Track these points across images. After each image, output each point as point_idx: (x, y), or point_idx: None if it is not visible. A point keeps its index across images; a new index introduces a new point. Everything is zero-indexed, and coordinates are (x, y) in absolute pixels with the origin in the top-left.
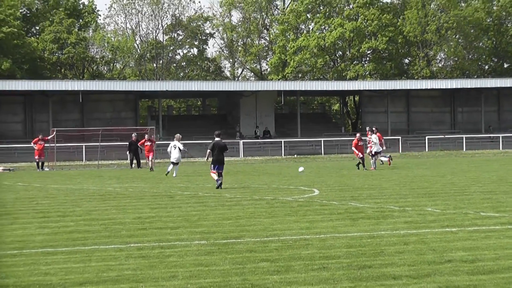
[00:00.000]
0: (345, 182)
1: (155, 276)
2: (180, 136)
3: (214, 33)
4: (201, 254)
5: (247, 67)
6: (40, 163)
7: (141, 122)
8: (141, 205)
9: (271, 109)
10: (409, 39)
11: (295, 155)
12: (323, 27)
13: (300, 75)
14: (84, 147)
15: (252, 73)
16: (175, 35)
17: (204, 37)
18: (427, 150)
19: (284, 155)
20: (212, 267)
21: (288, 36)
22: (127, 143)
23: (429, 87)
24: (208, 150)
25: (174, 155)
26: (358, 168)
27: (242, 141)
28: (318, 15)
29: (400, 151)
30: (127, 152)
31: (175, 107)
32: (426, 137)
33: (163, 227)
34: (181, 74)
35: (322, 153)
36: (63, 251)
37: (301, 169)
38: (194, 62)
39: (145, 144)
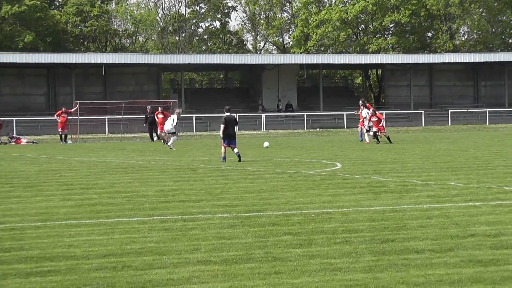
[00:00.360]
0: (367, 156)
1: (178, 248)
2: (180, 112)
3: (237, 6)
4: (224, 227)
5: (270, 40)
6: (63, 136)
7: (164, 95)
8: (164, 178)
9: (294, 82)
10: (432, 12)
11: (318, 129)
12: (346, 0)
13: (322, 49)
14: (107, 120)
15: (275, 47)
16: (198, 8)
17: (226, 10)
18: (450, 124)
19: (307, 128)
20: (235, 240)
21: (311, 9)
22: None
23: (452, 61)
24: (222, 125)
25: (167, 126)
26: (378, 142)
27: (264, 114)
28: None
29: (423, 125)
30: (144, 124)
31: (197, 80)
32: (449, 111)
33: (186, 200)
34: (204, 47)
35: (345, 126)
36: (86, 223)
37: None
38: (216, 35)
39: (158, 116)
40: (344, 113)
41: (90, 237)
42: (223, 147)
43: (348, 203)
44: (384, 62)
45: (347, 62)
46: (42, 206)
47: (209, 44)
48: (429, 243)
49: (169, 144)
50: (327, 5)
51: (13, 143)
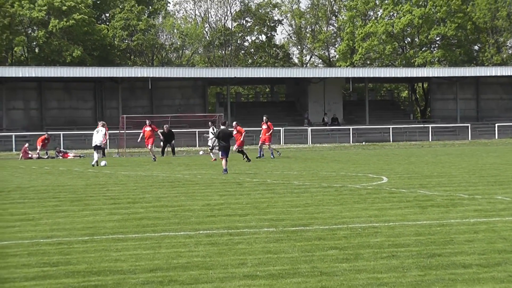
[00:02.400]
0: (414, 169)
1: (224, 263)
2: (104, 123)
3: (283, 19)
4: (270, 242)
5: (316, 53)
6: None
7: (210, 109)
8: (210, 192)
9: (339, 96)
10: (478, 25)
11: (363, 142)
12: (392, 13)
13: (368, 62)
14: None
15: (320, 60)
16: (244, 21)
17: (272, 24)
18: (496, 137)
19: (352, 142)
20: (281, 255)
21: (357, 23)
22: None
23: (498, 74)
24: (215, 138)
25: (96, 138)
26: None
27: (310, 128)
28: (386, 1)
29: (470, 139)
30: (161, 143)
31: (243, 94)
32: (496, 125)
33: (232, 214)
34: (250, 61)
35: (391, 140)
36: (133, 237)
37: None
38: (262, 49)
39: (145, 129)
40: (390, 126)
41: (136, 252)
42: (223, 160)
43: (394, 217)
44: (431, 76)
45: (393, 76)
46: (89, 220)
47: (255, 58)
48: (476, 258)
49: (94, 162)
50: (373, 18)
51: (60, 157)
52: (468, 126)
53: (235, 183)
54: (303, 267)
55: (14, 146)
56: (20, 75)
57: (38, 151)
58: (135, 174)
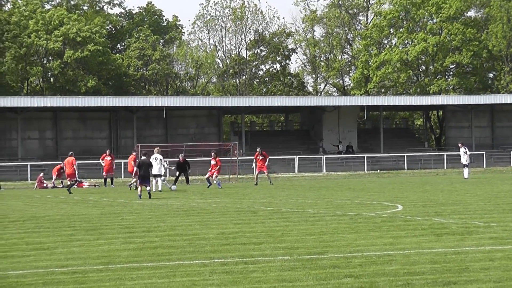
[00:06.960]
0: (428, 197)
1: None
2: (159, 149)
3: (297, 48)
4: (285, 270)
5: (330, 82)
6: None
7: (224, 138)
8: (225, 221)
9: (354, 124)
10: (493, 53)
11: (378, 171)
12: (406, 41)
13: (383, 90)
14: (168, 162)
15: (335, 88)
16: (258, 50)
17: (286, 53)
18: None
19: (367, 170)
20: (296, 283)
21: (371, 51)
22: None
23: None
24: (136, 168)
25: (155, 167)
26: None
27: (324, 156)
28: (401, 29)
29: (485, 166)
30: (176, 173)
31: (258, 122)
32: (511, 152)
33: (246, 243)
34: (264, 90)
35: (405, 168)
36: (148, 266)
37: None
38: (276, 78)
39: (105, 159)
40: (405, 154)
41: (151, 280)
42: (139, 187)
43: (409, 245)
44: (445, 103)
45: (408, 104)
46: (104, 249)
47: (269, 86)
48: (492, 286)
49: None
50: (387, 46)
51: (75, 186)
52: (483, 154)
53: (250, 212)
54: None
55: (29, 176)
56: (36, 105)
57: (53, 180)
58: (150, 202)
